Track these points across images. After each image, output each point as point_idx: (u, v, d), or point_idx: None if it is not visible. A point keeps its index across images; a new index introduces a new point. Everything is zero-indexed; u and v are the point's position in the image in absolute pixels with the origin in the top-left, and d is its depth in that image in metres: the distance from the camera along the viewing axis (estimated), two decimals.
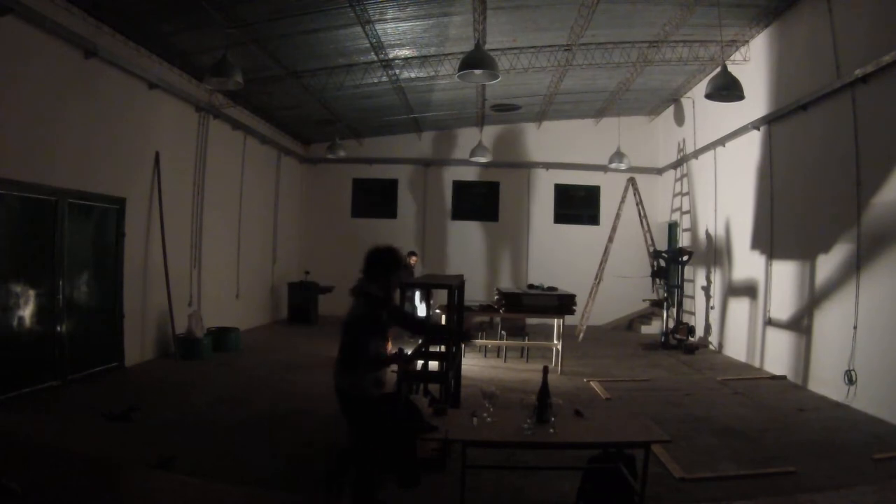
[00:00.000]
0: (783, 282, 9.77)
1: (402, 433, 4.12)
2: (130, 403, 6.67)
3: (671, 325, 12.87)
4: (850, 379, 7.63)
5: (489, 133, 16.11)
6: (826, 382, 8.26)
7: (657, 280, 13.52)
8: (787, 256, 9.74)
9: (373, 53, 10.51)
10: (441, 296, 9.84)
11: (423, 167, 16.98)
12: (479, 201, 17.18)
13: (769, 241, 10.23)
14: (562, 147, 16.64)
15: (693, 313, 13.56)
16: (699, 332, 13.02)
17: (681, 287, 13.10)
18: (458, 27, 9.69)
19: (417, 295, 10.97)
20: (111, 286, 8.76)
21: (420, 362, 6.99)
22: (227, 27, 8.53)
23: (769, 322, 10.09)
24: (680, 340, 12.46)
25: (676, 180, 15.11)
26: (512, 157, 16.65)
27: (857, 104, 7.84)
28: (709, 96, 8.45)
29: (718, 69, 8.39)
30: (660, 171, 16.46)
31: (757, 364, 10.37)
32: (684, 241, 14.33)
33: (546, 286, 11.55)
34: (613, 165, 14.79)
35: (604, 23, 9.79)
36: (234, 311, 12.54)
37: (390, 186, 17.21)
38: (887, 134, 7.31)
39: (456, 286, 7.17)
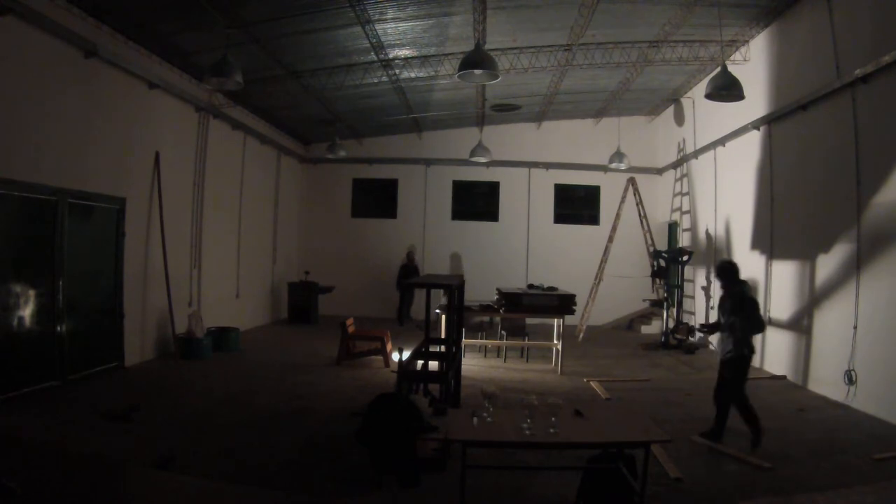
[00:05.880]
0: (783, 282, 9.77)
1: (401, 433, 4.12)
2: (130, 403, 6.68)
3: (671, 325, 12.87)
4: (850, 379, 7.63)
5: (489, 133, 16.10)
6: (826, 382, 8.26)
7: (657, 280, 13.54)
8: (787, 256, 9.74)
9: (373, 53, 10.51)
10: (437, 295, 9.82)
11: (423, 167, 16.99)
12: (479, 201, 17.20)
13: (769, 241, 10.23)
14: (562, 147, 16.66)
15: (693, 313, 13.55)
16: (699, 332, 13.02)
17: (681, 287, 13.11)
18: (458, 27, 9.70)
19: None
20: (111, 286, 8.76)
21: (420, 362, 7.01)
22: (227, 27, 8.52)
23: (769, 322, 10.05)
24: (680, 340, 12.45)
25: (676, 180, 15.11)
26: (512, 157, 16.64)
27: (857, 104, 7.84)
28: (709, 96, 8.44)
29: (718, 69, 8.38)
30: (660, 171, 16.45)
31: (757, 364, 10.32)
32: (684, 241, 14.32)
33: (546, 286, 11.55)
34: (613, 165, 14.80)
35: (604, 23, 9.80)
36: (234, 311, 12.55)
37: (390, 186, 17.22)
38: (887, 134, 7.31)
39: (456, 286, 7.17)
